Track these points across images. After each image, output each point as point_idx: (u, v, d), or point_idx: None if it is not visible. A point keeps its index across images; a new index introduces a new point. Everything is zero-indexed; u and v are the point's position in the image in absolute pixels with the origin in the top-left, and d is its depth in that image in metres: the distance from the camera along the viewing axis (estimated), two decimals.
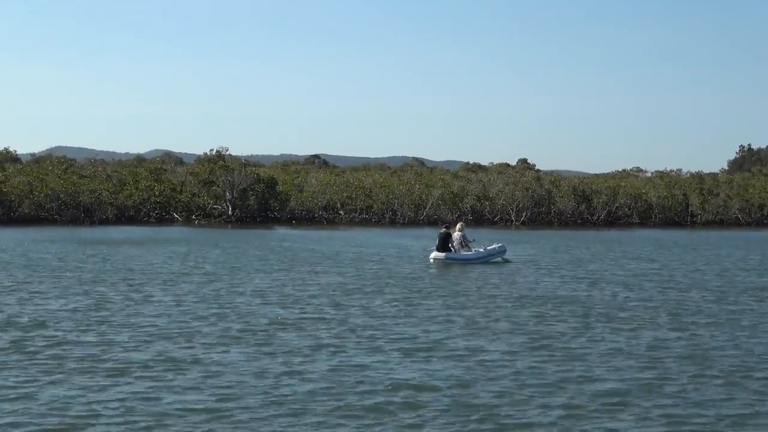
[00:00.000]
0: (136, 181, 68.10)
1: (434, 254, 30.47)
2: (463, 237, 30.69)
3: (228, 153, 69.65)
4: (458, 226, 31.27)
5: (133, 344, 14.25)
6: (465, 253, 30.39)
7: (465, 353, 13.89)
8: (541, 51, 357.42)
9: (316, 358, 13.37)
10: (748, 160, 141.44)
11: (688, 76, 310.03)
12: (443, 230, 30.80)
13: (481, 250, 31.07)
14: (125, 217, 63.76)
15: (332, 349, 14.08)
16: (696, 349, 14.60)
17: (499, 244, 32.33)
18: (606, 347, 14.66)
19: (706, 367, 13.18)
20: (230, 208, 65.70)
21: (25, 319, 16.58)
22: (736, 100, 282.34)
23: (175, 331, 15.54)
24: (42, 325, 15.93)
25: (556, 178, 79.76)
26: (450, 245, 30.23)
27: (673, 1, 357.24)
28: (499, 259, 31.24)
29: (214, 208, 66.20)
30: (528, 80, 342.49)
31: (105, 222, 61.13)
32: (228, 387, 11.42)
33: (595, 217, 74.68)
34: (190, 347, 14.05)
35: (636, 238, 53.15)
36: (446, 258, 29.95)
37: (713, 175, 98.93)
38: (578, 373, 12.60)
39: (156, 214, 65.77)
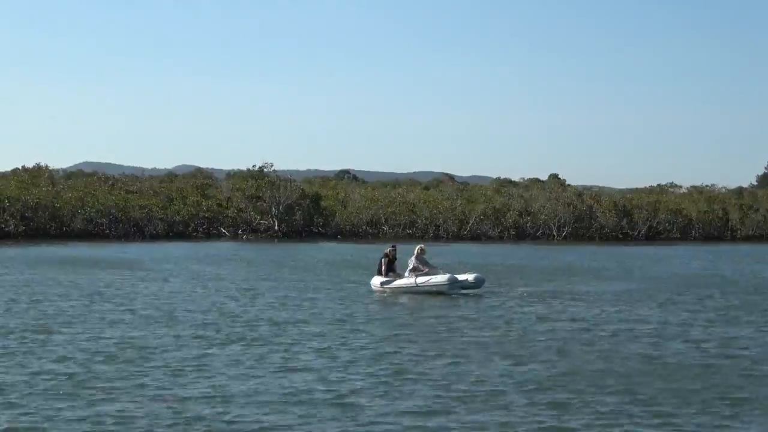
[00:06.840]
0: (184, 196, 68.94)
1: (376, 279, 25.52)
2: (419, 261, 24.86)
3: (273, 169, 70.29)
4: (417, 249, 25.39)
5: None
6: (404, 280, 24.82)
7: None
8: (568, 66, 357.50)
9: None
10: None
11: (714, 91, 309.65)
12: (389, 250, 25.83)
13: (438, 277, 24.44)
14: (173, 232, 64.47)
15: None
16: None
17: (475, 275, 24.95)
18: None
19: None
20: (276, 224, 66.47)
21: None
22: (764, 114, 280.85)
23: None
24: None
25: (597, 193, 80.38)
26: (392, 269, 25.27)
27: (704, 18, 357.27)
28: (472, 291, 24.56)
29: (261, 223, 66.99)
30: (555, 95, 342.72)
31: (155, 237, 61.90)
32: None
33: (635, 233, 75.12)
34: None
35: None
36: (381, 284, 25.09)
37: (751, 189, 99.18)
38: None
39: (204, 229, 66.59)
